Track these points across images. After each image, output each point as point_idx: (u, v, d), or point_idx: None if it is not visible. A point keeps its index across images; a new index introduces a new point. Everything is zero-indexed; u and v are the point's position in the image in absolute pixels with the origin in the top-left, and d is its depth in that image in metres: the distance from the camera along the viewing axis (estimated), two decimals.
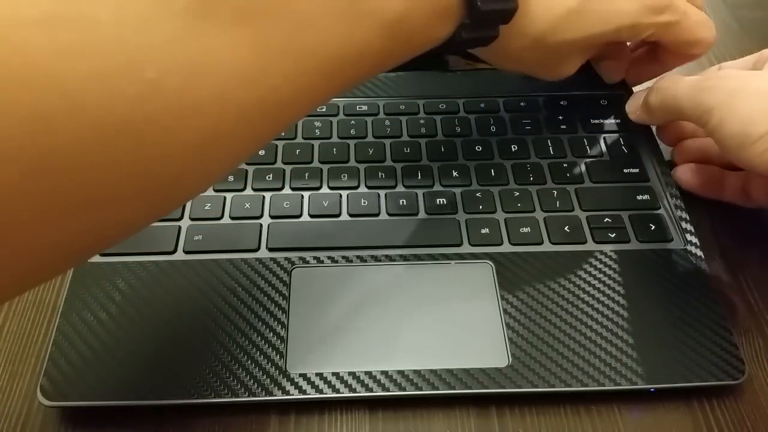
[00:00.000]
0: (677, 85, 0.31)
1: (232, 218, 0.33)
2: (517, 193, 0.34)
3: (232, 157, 0.21)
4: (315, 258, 0.31)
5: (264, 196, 0.34)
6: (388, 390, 0.27)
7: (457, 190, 0.34)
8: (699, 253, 0.32)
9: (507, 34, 0.29)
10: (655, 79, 0.36)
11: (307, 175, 0.35)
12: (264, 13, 0.19)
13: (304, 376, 0.27)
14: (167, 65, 0.17)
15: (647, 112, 0.34)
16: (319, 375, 0.27)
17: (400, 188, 0.34)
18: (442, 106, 0.39)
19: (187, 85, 0.17)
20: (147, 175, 0.18)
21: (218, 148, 0.20)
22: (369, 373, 0.27)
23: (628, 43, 0.38)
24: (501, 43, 0.29)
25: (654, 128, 0.38)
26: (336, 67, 0.22)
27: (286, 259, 0.31)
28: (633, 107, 0.36)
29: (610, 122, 0.38)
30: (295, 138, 0.37)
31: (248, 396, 0.27)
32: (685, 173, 0.35)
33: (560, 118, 0.38)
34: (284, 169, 0.35)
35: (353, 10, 0.22)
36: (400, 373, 0.27)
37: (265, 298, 0.30)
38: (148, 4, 0.17)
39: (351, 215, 0.33)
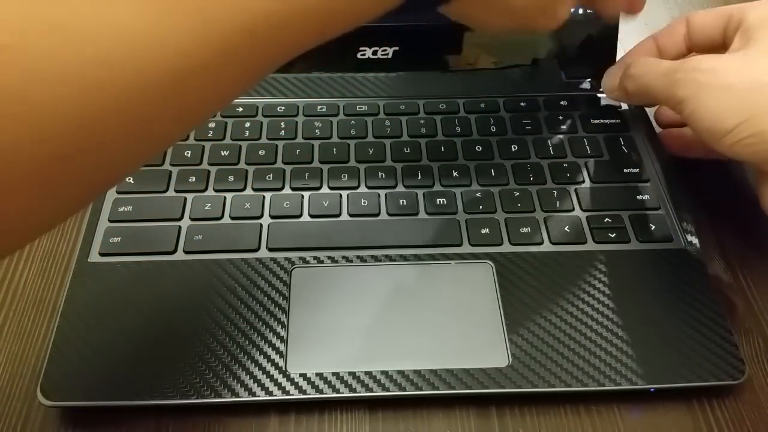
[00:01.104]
0: (650, 73, 0.31)
1: (232, 218, 0.33)
2: (517, 193, 0.34)
3: (144, 134, 0.19)
4: (315, 258, 0.31)
5: (264, 196, 0.34)
6: (388, 390, 0.27)
7: (457, 190, 0.34)
8: (699, 253, 0.32)
9: None
10: (630, 56, 0.36)
11: (307, 175, 0.35)
12: None
13: (304, 376, 0.27)
14: (23, 27, 0.15)
15: (625, 95, 0.34)
16: (319, 375, 0.27)
17: (400, 188, 0.34)
18: (442, 106, 0.39)
19: (52, 47, 0.15)
20: (25, 158, 0.16)
21: (117, 123, 0.17)
22: (369, 373, 0.27)
23: None
24: None
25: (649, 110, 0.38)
26: (261, 26, 0.20)
27: (286, 259, 0.31)
28: (609, 86, 0.36)
29: (610, 122, 0.38)
30: (295, 138, 0.37)
31: (248, 396, 0.27)
32: (668, 138, 0.37)
33: (560, 118, 0.38)
34: (284, 169, 0.35)
35: None
36: (400, 373, 0.27)
37: (265, 298, 0.30)
38: None
39: (351, 215, 0.33)
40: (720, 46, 0.33)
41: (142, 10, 0.17)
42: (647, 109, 0.39)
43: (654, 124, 0.38)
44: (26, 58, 0.15)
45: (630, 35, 0.38)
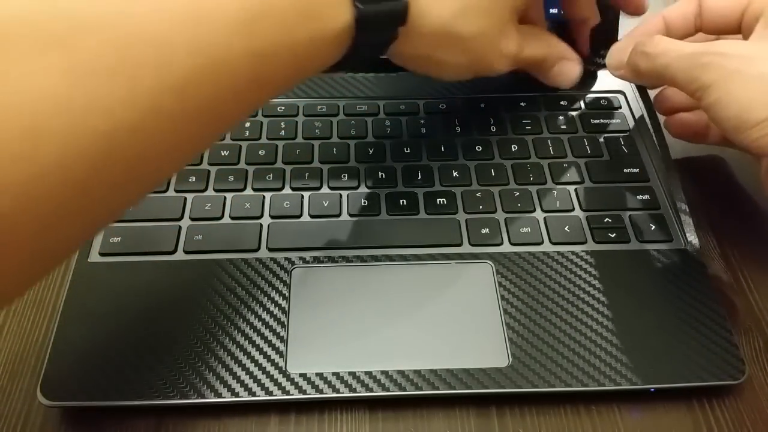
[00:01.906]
0: (671, 53, 0.30)
1: (232, 218, 0.33)
2: (517, 193, 0.34)
3: (84, 201, 0.19)
4: (315, 258, 0.31)
5: (264, 196, 0.34)
6: (388, 390, 0.27)
7: (457, 190, 0.34)
8: (699, 253, 0.32)
9: (409, 31, 0.28)
10: (639, 32, 0.35)
11: (307, 175, 0.35)
12: (77, 33, 0.18)
13: (304, 376, 0.27)
14: None
15: (634, 74, 0.33)
16: (319, 375, 0.27)
17: (400, 188, 0.34)
18: (442, 106, 0.39)
19: None
20: None
21: (46, 189, 0.17)
22: (369, 373, 0.27)
23: None
24: (407, 42, 0.29)
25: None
26: (191, 81, 0.20)
27: (286, 259, 0.31)
28: (616, 62, 0.34)
29: (610, 122, 0.38)
30: (295, 138, 0.37)
31: (248, 396, 0.27)
32: (675, 124, 0.36)
33: (560, 118, 0.38)
34: (284, 169, 0.35)
35: (193, 10, 0.20)
36: (400, 373, 0.27)
37: (265, 298, 0.30)
38: None
39: (351, 215, 0.33)
40: (733, 30, 0.32)
41: (65, 75, 0.17)
42: (642, 95, 0.39)
43: (645, 112, 0.38)
44: None
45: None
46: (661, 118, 0.37)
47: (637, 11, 0.37)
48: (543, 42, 0.35)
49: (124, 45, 0.18)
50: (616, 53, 0.35)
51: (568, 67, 0.36)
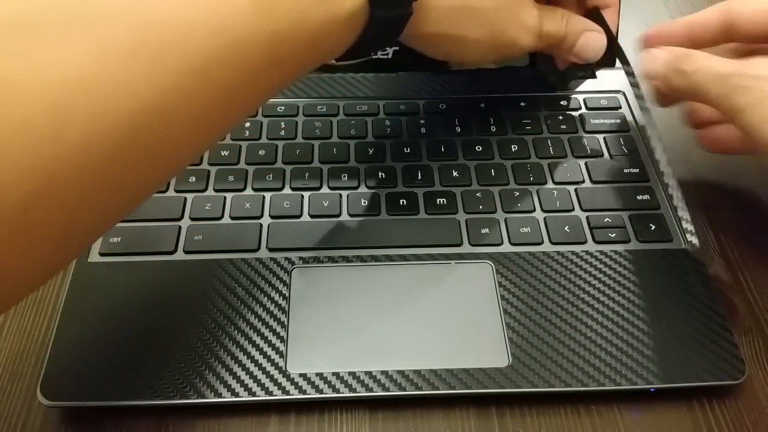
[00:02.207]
0: (705, 72, 0.29)
1: (232, 218, 0.33)
2: (517, 193, 0.34)
3: (105, 180, 0.19)
4: (315, 258, 0.31)
5: (264, 196, 0.34)
6: (388, 390, 0.27)
7: (457, 190, 0.34)
8: (699, 253, 0.32)
9: (424, 6, 0.28)
10: (666, 35, 0.34)
11: (307, 175, 0.35)
12: (101, 17, 0.18)
13: (304, 376, 0.27)
14: None
15: (668, 88, 0.32)
16: (319, 375, 0.27)
17: (400, 188, 0.34)
18: (442, 106, 0.39)
19: (5, 103, 0.16)
20: None
21: (71, 170, 0.18)
22: (369, 373, 0.27)
23: None
24: (424, 19, 0.29)
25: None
26: (212, 62, 0.20)
27: (286, 259, 0.31)
28: (653, 72, 0.33)
29: (610, 122, 0.38)
30: (295, 138, 0.37)
31: (248, 396, 0.27)
32: (709, 141, 0.35)
33: (560, 118, 0.38)
34: (284, 169, 0.35)
35: None
36: (400, 373, 0.27)
37: (265, 298, 0.30)
38: None
39: (351, 215, 0.33)
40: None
41: (90, 57, 0.18)
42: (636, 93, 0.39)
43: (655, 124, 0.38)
44: None
45: (630, 35, 0.38)
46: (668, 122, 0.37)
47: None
48: (560, 16, 0.35)
49: (147, 26, 0.19)
50: (654, 62, 0.33)
51: (593, 38, 0.35)
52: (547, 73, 0.40)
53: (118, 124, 0.18)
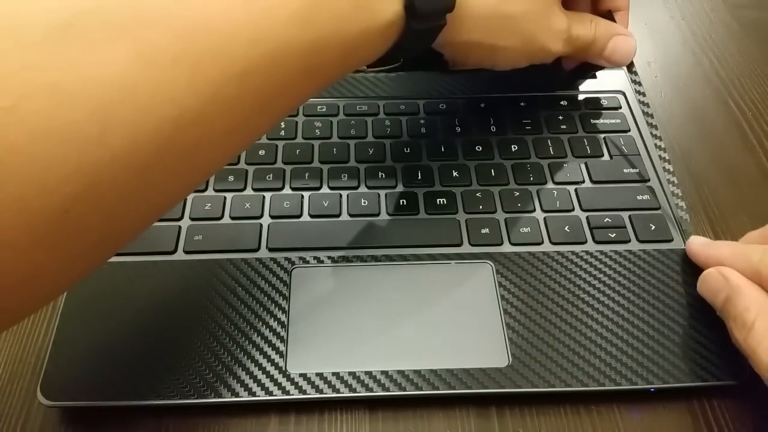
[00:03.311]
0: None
1: (232, 218, 0.33)
2: (517, 193, 0.34)
3: (144, 185, 0.19)
4: (315, 258, 0.31)
5: (264, 196, 0.34)
6: (388, 390, 0.27)
7: (457, 190, 0.34)
8: None
9: (458, 17, 0.29)
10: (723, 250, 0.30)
11: (307, 175, 0.35)
12: (144, 23, 0.18)
13: (304, 376, 0.27)
14: (25, 91, 0.16)
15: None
16: (319, 375, 0.27)
17: (400, 188, 0.34)
18: (442, 106, 0.39)
19: (52, 107, 0.17)
20: (26, 211, 0.17)
21: (113, 174, 0.18)
22: (369, 373, 0.27)
23: None
24: (458, 29, 0.29)
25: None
26: (250, 70, 0.21)
27: (286, 259, 0.31)
28: (708, 297, 0.29)
29: (610, 122, 0.38)
30: (295, 138, 0.37)
31: (248, 396, 0.27)
32: None
33: (560, 118, 0.38)
34: (284, 169, 0.35)
35: (253, 2, 0.21)
36: (400, 373, 0.27)
37: (265, 298, 0.30)
38: None
39: (351, 215, 0.33)
40: None
41: (134, 63, 0.18)
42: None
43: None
44: (29, 119, 0.16)
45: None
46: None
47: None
48: (589, 21, 0.35)
49: (188, 35, 0.19)
50: (706, 286, 0.29)
51: (623, 42, 0.36)
52: (553, 72, 0.40)
53: (159, 131, 0.19)
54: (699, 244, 0.31)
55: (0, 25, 0.17)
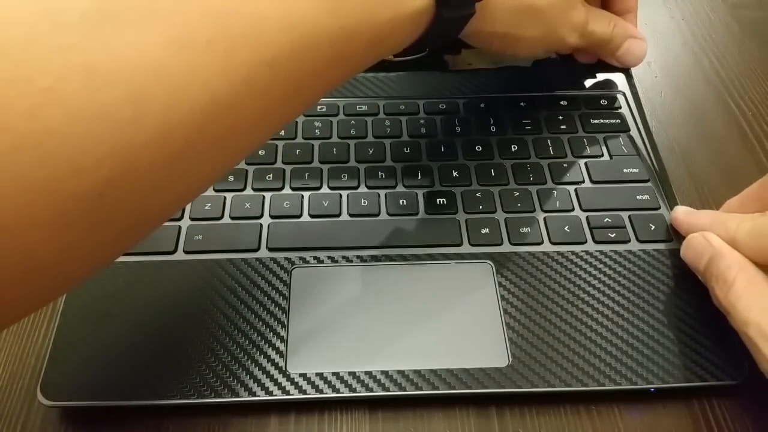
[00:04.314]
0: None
1: (232, 218, 0.33)
2: (517, 193, 0.34)
3: (177, 170, 0.19)
4: (315, 258, 0.31)
5: (264, 196, 0.34)
6: (388, 390, 0.27)
7: (457, 190, 0.34)
8: None
9: (488, 7, 0.30)
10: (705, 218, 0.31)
11: (307, 175, 0.35)
12: (179, 7, 0.18)
13: (304, 376, 0.27)
14: (62, 72, 0.16)
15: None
16: (319, 375, 0.27)
17: (400, 188, 0.34)
18: (442, 106, 0.39)
19: (88, 89, 0.17)
20: (61, 192, 0.17)
21: (146, 158, 0.18)
22: (369, 373, 0.27)
23: None
24: (486, 19, 0.30)
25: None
26: (282, 56, 0.21)
27: (286, 259, 0.31)
28: (691, 264, 0.30)
29: (610, 122, 0.38)
30: (295, 138, 0.37)
31: (248, 396, 0.27)
32: None
33: (560, 118, 0.38)
34: (284, 169, 0.35)
35: None
36: (400, 373, 0.27)
37: (265, 298, 0.30)
38: (35, 19, 0.17)
39: (351, 215, 0.33)
40: None
41: (168, 46, 0.18)
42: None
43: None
44: (65, 100, 0.16)
45: None
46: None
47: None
48: (608, 20, 0.36)
49: (222, 18, 0.19)
50: (688, 251, 0.30)
51: (637, 45, 0.38)
52: (549, 67, 0.41)
53: (193, 115, 0.19)
54: (682, 213, 0.32)
55: (38, 6, 0.17)
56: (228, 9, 0.19)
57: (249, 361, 0.28)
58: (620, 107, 0.39)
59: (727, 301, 0.26)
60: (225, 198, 0.34)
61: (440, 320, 0.29)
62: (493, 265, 0.31)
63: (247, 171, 0.35)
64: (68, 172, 0.17)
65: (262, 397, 0.27)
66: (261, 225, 0.33)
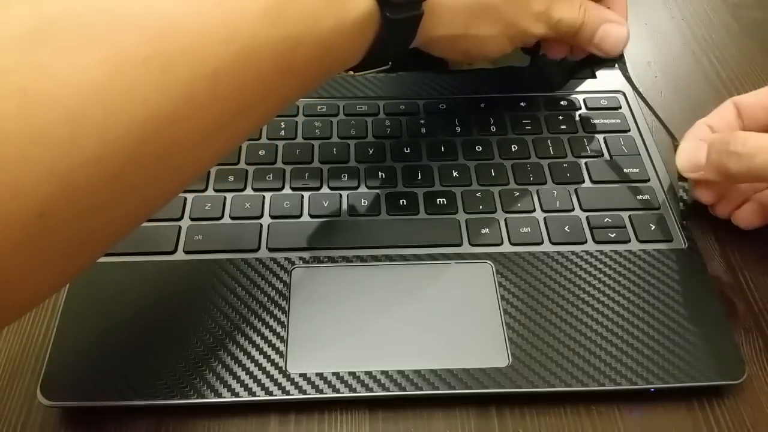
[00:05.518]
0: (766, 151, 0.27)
1: (232, 218, 0.33)
2: (517, 193, 0.34)
3: (119, 188, 0.19)
4: (315, 258, 0.31)
5: (264, 196, 0.34)
6: (388, 390, 0.27)
7: (457, 190, 0.34)
8: (699, 253, 0.32)
9: (437, 7, 0.29)
10: (693, 134, 0.33)
11: (307, 175, 0.35)
12: (115, 26, 0.19)
13: (304, 376, 0.27)
14: None
15: (721, 175, 0.30)
16: (319, 375, 0.27)
17: (399, 188, 0.34)
18: (442, 106, 0.39)
19: (24, 112, 0.17)
20: (2, 215, 0.17)
21: (86, 177, 0.18)
22: (369, 373, 0.27)
23: None
24: (436, 22, 0.29)
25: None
26: (222, 69, 0.20)
27: (286, 259, 0.31)
28: (691, 165, 0.32)
29: (611, 122, 0.38)
30: (295, 138, 0.37)
31: (248, 396, 0.27)
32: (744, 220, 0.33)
33: (560, 118, 0.38)
34: (284, 169, 0.35)
35: (223, 1, 0.21)
36: (400, 373, 0.27)
37: (265, 298, 0.30)
38: None
39: (351, 215, 0.33)
40: None
41: (105, 65, 0.18)
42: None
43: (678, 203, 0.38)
44: (1, 124, 0.16)
45: (631, 35, 0.38)
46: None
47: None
48: (577, 5, 0.34)
49: (159, 34, 0.19)
50: (690, 154, 0.31)
51: (613, 30, 0.34)
52: (549, 67, 0.40)
53: (131, 132, 0.19)
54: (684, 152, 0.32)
55: None
56: (164, 25, 0.19)
57: (249, 361, 0.28)
58: (620, 107, 0.39)
59: (747, 151, 0.27)
60: (225, 198, 0.34)
61: (440, 320, 0.29)
62: (493, 265, 0.31)
63: (247, 171, 0.35)
64: (7, 194, 0.17)
65: (262, 397, 0.27)
66: (261, 225, 0.33)
